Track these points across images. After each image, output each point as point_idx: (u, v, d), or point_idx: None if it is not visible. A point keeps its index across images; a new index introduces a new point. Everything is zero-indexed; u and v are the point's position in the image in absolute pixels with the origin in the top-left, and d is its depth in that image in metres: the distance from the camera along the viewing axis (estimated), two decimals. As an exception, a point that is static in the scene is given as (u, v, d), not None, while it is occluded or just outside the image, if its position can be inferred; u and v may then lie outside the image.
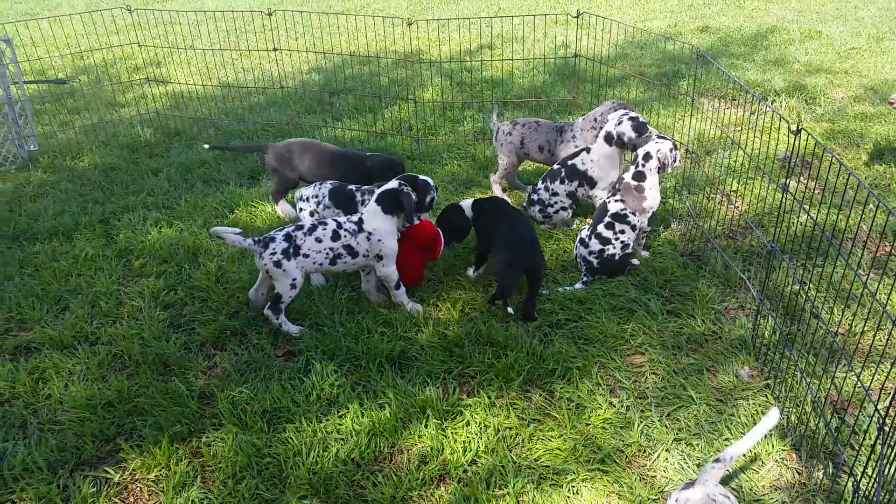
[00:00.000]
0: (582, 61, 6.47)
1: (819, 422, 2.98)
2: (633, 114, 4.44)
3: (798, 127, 3.02)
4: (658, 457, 2.97)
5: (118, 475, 2.91)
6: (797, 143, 3.04)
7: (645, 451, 3.01)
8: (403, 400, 3.25)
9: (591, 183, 4.55)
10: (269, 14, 6.22)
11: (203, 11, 9.34)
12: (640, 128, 4.38)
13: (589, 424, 3.11)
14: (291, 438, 3.05)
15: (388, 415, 3.17)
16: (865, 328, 3.60)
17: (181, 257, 4.48)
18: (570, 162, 4.62)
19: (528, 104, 6.98)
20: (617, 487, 2.82)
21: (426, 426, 3.11)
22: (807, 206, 4.73)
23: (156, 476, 2.91)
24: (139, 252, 4.58)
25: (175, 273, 4.33)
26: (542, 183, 4.74)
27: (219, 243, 4.63)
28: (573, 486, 2.83)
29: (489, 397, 3.27)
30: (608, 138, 4.44)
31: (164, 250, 4.56)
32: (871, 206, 4.68)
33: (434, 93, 7.56)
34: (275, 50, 6.74)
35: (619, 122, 4.40)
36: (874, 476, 2.51)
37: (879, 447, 2.36)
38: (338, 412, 3.21)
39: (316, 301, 4.00)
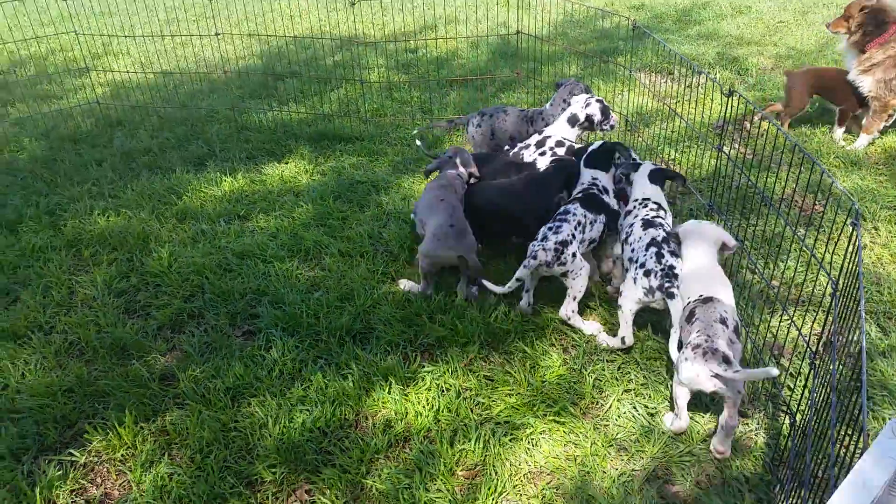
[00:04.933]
0: (523, 39, 6.61)
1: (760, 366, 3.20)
2: (597, 96, 4.58)
3: (730, 89, 3.20)
4: (610, 407, 3.14)
5: (83, 457, 2.93)
6: (730, 105, 3.23)
7: (597, 402, 3.17)
8: (366, 370, 3.34)
9: None
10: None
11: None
12: (605, 110, 4.51)
13: (545, 381, 3.26)
14: (256, 412, 3.11)
15: (351, 384, 3.25)
16: (796, 279, 3.84)
17: (131, 245, 4.45)
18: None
19: (473, 83, 7.08)
20: (573, 437, 2.98)
21: (389, 392, 3.21)
22: (741, 168, 4.98)
23: (122, 455, 2.93)
24: (88, 242, 4.52)
25: (126, 260, 4.30)
26: None
27: (170, 228, 4.61)
28: (532, 439, 2.98)
29: (449, 362, 3.38)
30: (573, 120, 4.55)
31: (113, 239, 4.52)
32: (804, 167, 4.96)
33: (379, 74, 7.60)
34: (217, 35, 6.66)
35: (587, 105, 4.51)
36: (807, 409, 2.72)
37: (811, 380, 2.56)
38: (301, 385, 3.28)
39: (274, 281, 4.04)
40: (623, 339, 3.40)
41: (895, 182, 4.80)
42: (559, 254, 3.46)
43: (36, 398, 3.21)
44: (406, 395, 3.20)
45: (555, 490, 2.74)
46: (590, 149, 3.99)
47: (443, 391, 3.22)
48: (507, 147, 4.80)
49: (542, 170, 4.24)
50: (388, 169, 5.49)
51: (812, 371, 2.75)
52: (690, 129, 5.72)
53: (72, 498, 2.77)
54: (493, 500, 2.71)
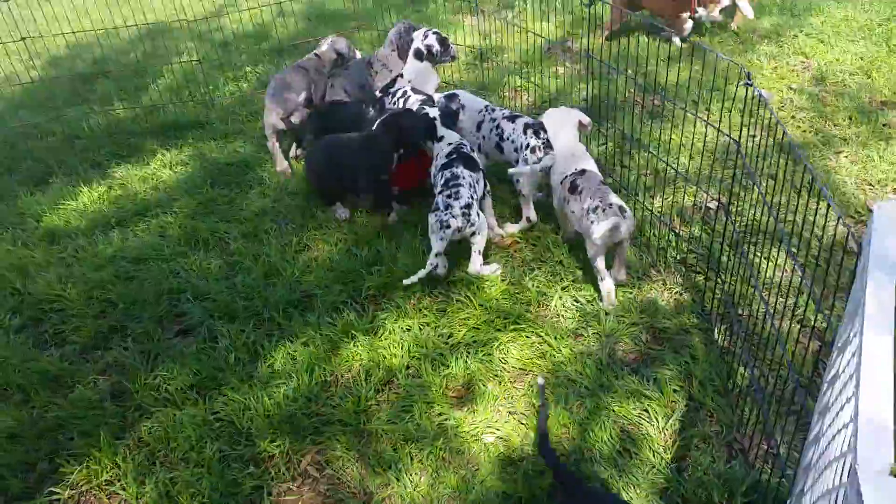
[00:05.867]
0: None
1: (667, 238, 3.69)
2: (434, 29, 4.77)
3: (590, 1, 3.57)
4: (554, 304, 3.47)
5: (66, 492, 2.71)
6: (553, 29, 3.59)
7: (544, 304, 3.49)
8: (324, 333, 3.37)
9: None
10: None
11: None
12: (443, 41, 4.73)
13: (492, 299, 3.51)
14: (232, 398, 3.05)
15: (315, 349, 3.28)
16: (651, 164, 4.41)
17: (10, 279, 3.99)
18: (391, 90, 4.81)
19: (304, 45, 6.98)
20: (535, 338, 3.28)
21: (357, 346, 3.28)
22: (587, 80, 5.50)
23: (108, 478, 2.76)
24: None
25: (10, 296, 3.87)
26: None
27: (43, 252, 4.19)
28: (501, 348, 3.23)
29: (399, 306, 3.51)
30: (418, 54, 4.73)
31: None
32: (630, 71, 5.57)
33: (195, 55, 7.21)
34: (23, 40, 5.94)
35: (426, 37, 4.70)
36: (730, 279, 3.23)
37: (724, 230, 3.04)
38: (264, 364, 3.25)
39: (185, 276, 3.86)
40: (528, 217, 3.94)
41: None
42: (467, 217, 3.55)
43: (-25, 455, 2.89)
44: (372, 344, 3.30)
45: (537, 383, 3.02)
46: (439, 111, 4.01)
47: (406, 331, 3.36)
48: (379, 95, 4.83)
49: (373, 128, 4.15)
50: (252, 146, 5.34)
51: (715, 225, 3.25)
52: (526, 57, 6.17)
53: (70, 535, 2.59)
54: (489, 407, 2.93)
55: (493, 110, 4.15)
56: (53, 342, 3.54)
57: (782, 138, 2.64)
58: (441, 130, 3.94)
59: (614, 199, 3.39)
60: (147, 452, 2.85)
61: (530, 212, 3.93)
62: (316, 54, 5.06)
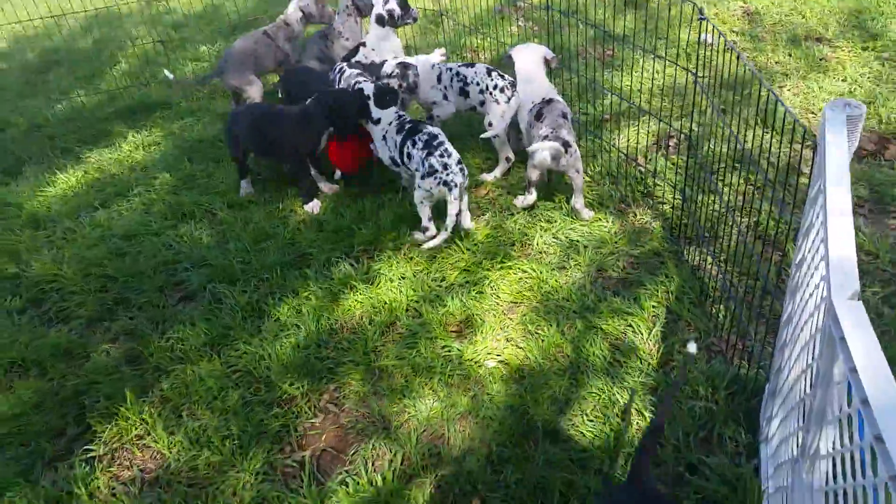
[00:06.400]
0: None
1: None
2: None
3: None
4: (536, 242, 3.72)
5: (100, 448, 2.86)
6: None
7: (527, 243, 3.74)
8: (323, 286, 3.56)
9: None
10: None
11: None
12: (404, 3, 4.86)
13: (477, 243, 3.74)
14: (245, 351, 3.22)
15: (317, 301, 3.47)
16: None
17: (3, 263, 4.04)
18: (354, 60, 4.91)
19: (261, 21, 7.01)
20: (522, 273, 3.52)
21: (357, 295, 3.48)
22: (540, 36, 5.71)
23: (138, 433, 2.92)
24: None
25: (7, 280, 3.94)
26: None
27: (30, 237, 4.25)
28: (493, 285, 3.47)
29: (391, 257, 3.72)
30: (380, 20, 4.85)
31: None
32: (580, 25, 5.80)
33: (150, 38, 7.18)
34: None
35: (386, 2, 4.82)
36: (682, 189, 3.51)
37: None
38: (271, 318, 3.42)
39: (178, 247, 3.99)
40: (507, 157, 4.24)
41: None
42: (463, 170, 3.74)
43: (4, 424, 3.00)
44: (371, 292, 3.50)
45: (530, 311, 3.28)
46: (374, 91, 3.93)
47: (402, 278, 3.57)
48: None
49: (306, 103, 4.10)
50: (222, 122, 5.42)
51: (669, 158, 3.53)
52: (482, 18, 6.35)
53: (111, 485, 2.74)
54: (488, 336, 3.17)
55: (445, 64, 4.35)
56: (58, 319, 3.64)
57: (736, 70, 2.92)
58: (376, 113, 3.90)
59: (565, 132, 3.68)
60: (172, 407, 3.01)
61: (508, 151, 4.20)
62: (285, 22, 5.14)
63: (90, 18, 8.24)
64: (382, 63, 4.38)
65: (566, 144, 3.64)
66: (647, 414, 2.72)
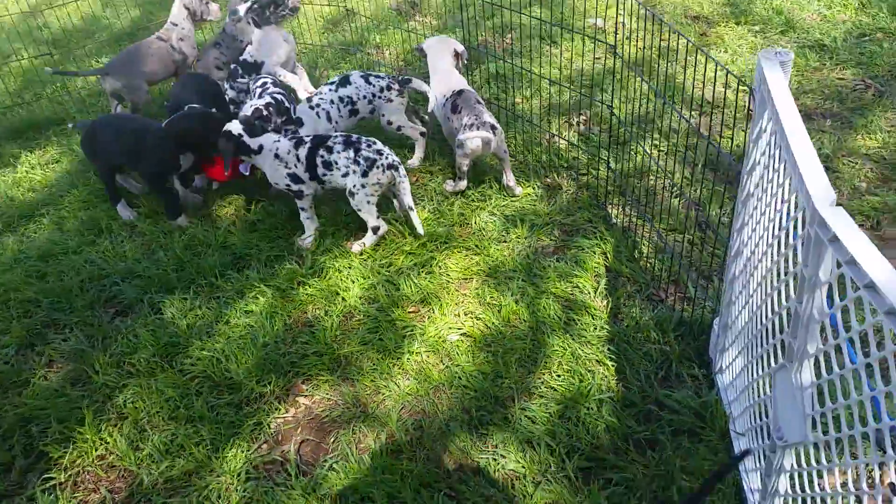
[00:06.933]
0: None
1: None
2: None
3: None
4: (475, 221, 3.83)
5: (61, 475, 2.69)
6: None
7: (466, 224, 3.84)
8: (271, 284, 3.50)
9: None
10: None
11: None
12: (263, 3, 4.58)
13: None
14: (200, 357, 3.12)
15: (267, 300, 3.41)
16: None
17: None
18: (241, 58, 4.66)
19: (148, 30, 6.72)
20: (468, 251, 3.63)
21: (307, 289, 3.46)
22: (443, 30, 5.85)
23: (100, 453, 2.77)
24: None
25: None
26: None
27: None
28: (440, 265, 3.55)
29: (331, 250, 3.71)
30: (252, 21, 4.60)
31: None
32: None
33: (25, 55, 6.71)
34: None
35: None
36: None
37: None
38: (223, 322, 3.33)
39: (102, 263, 3.79)
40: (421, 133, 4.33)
41: None
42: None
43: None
44: (320, 285, 3.49)
45: (481, 285, 3.39)
46: (242, 125, 3.71)
47: (349, 268, 3.58)
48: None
49: (167, 121, 3.88)
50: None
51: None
52: (375, 20, 6.42)
53: (79, 510, 2.59)
54: (447, 312, 3.25)
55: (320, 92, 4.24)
56: (-25, 352, 3.37)
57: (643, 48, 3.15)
58: (254, 142, 3.67)
59: (487, 117, 3.84)
60: (131, 422, 2.87)
61: (418, 128, 4.32)
62: (172, 23, 4.97)
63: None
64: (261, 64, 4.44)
65: (493, 127, 3.78)
66: (609, 364, 2.90)
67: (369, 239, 3.71)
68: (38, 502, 2.59)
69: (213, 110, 3.97)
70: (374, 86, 4.17)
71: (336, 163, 3.64)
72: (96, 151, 4.07)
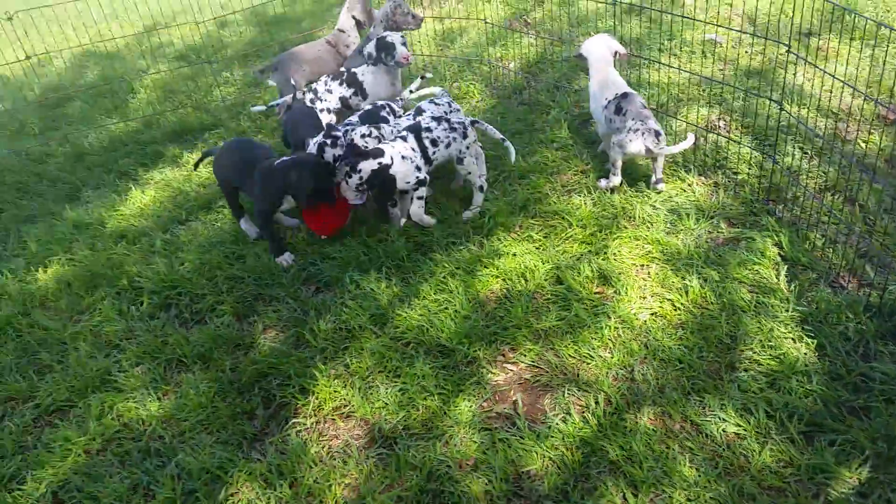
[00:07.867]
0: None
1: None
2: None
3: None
4: (638, 213, 4.02)
5: (309, 420, 2.95)
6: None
7: (628, 216, 4.04)
8: (457, 266, 3.74)
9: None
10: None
11: None
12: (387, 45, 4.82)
13: (581, 217, 4.01)
14: (409, 328, 3.37)
15: (455, 280, 3.64)
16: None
17: (112, 277, 4.04)
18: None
19: (270, 49, 7.17)
20: (636, 241, 3.82)
21: (491, 269, 3.69)
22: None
23: (335, 405, 3.02)
24: (76, 287, 3.98)
25: (124, 291, 3.93)
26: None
27: (126, 248, 4.25)
28: (614, 253, 3.74)
29: (501, 238, 3.95)
30: (369, 57, 4.82)
31: (79, 281, 4.04)
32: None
33: (168, 67, 7.23)
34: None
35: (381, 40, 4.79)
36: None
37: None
38: (416, 297, 3.58)
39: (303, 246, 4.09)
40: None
41: None
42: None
43: (193, 414, 3.04)
44: (499, 267, 3.71)
45: (660, 271, 3.57)
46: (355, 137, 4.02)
47: (526, 253, 3.80)
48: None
49: (281, 162, 3.82)
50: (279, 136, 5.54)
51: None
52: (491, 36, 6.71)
53: (327, 451, 2.84)
54: (632, 294, 3.44)
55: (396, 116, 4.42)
56: (194, 320, 3.68)
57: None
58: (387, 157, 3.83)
59: (653, 123, 4.02)
60: (359, 379, 3.12)
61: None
62: (339, 30, 5.28)
63: (76, 56, 8.19)
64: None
65: (657, 134, 3.98)
66: (809, 340, 3.05)
67: (478, 198, 4.14)
68: (289, 442, 2.84)
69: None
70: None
71: (438, 138, 4.01)
72: (217, 172, 4.21)
